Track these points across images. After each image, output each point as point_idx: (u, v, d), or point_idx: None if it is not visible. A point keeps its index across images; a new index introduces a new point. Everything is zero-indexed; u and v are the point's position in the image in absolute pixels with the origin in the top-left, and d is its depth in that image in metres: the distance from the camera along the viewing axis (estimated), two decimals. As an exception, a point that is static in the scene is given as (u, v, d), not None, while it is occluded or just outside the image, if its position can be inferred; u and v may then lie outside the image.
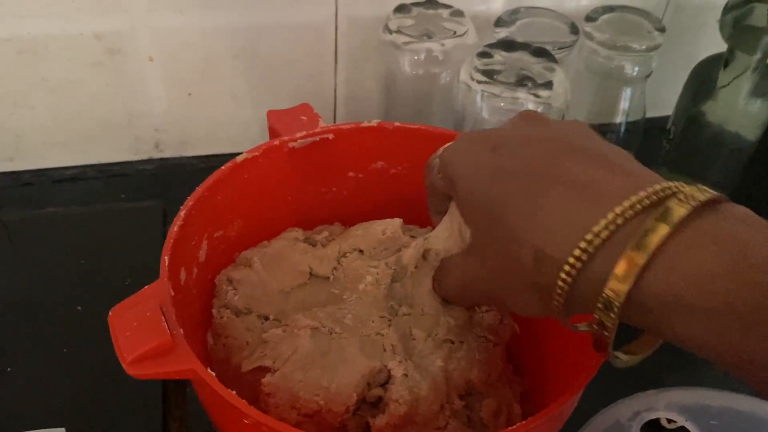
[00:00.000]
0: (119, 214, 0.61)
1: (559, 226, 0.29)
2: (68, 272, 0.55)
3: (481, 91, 0.52)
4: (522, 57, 0.54)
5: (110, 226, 0.60)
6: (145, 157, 0.66)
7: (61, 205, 0.62)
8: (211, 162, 0.66)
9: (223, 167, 0.44)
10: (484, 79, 0.52)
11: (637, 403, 0.49)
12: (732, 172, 0.63)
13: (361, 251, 0.46)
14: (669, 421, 0.48)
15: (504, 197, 0.31)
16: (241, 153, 0.45)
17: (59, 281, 0.55)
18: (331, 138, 0.47)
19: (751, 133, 0.61)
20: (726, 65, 0.57)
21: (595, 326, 0.29)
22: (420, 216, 0.47)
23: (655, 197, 0.27)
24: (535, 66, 0.53)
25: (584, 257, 0.28)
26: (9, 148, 0.63)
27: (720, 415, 0.48)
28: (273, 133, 0.48)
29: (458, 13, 0.59)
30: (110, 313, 0.35)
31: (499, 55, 0.54)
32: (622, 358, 0.33)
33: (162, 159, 0.67)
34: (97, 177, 0.65)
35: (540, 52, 0.54)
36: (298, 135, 0.46)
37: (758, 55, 0.55)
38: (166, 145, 0.66)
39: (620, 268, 0.27)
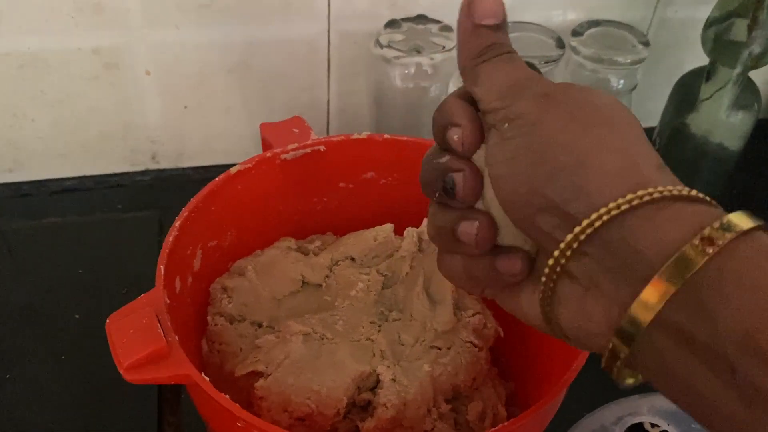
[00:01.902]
0: (116, 225, 0.62)
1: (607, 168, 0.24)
2: (66, 281, 0.56)
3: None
4: (509, 71, 0.55)
5: (107, 236, 0.61)
6: (141, 168, 0.68)
7: (59, 215, 0.63)
8: (207, 173, 0.67)
9: (216, 179, 0.45)
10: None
11: (621, 408, 0.50)
12: (716, 182, 0.65)
13: (353, 259, 0.48)
14: (652, 425, 0.49)
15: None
16: (236, 164, 0.47)
17: (58, 290, 0.56)
18: (322, 150, 0.48)
19: (733, 143, 0.62)
20: (708, 78, 0.59)
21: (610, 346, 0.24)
22: (410, 225, 0.48)
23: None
24: (522, 80, 0.55)
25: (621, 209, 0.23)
26: (8, 159, 0.64)
27: (702, 419, 0.50)
28: (266, 145, 0.49)
29: (447, 28, 0.60)
30: (108, 321, 0.36)
31: (487, 69, 0.55)
32: (629, 382, 0.27)
33: (158, 170, 0.68)
34: (95, 188, 0.66)
35: (526, 66, 0.56)
36: (290, 147, 0.48)
37: (738, 69, 0.57)
38: (163, 157, 0.68)
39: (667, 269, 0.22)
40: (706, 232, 0.22)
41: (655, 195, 0.23)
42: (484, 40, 0.29)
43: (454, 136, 0.28)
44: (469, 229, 0.28)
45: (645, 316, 0.23)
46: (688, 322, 0.22)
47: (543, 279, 0.26)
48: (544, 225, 0.25)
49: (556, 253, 0.25)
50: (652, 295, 0.22)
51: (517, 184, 0.26)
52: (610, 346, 0.24)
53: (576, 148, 0.25)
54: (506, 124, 0.26)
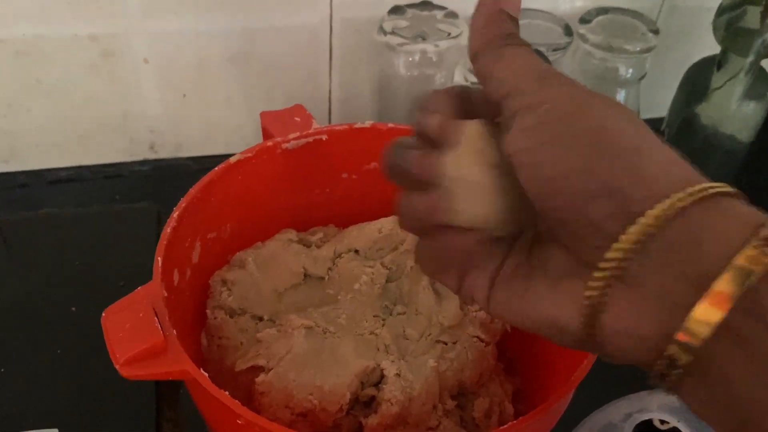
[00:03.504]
0: (114, 216, 0.61)
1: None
2: (63, 273, 0.55)
3: (475, 92, 0.52)
4: (516, 59, 0.54)
5: (105, 228, 0.60)
6: (139, 158, 0.67)
7: (55, 206, 0.62)
8: (206, 163, 0.65)
9: (216, 168, 0.44)
10: (477, 80, 0.52)
11: (629, 404, 0.49)
12: (726, 174, 0.64)
13: (356, 251, 0.47)
14: (662, 422, 0.48)
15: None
16: (235, 154, 0.45)
17: (54, 282, 0.55)
18: (324, 139, 0.47)
19: (744, 134, 0.61)
20: (719, 67, 0.58)
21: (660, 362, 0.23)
22: (414, 217, 0.47)
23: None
24: (529, 68, 0.53)
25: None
26: (4, 149, 0.63)
27: (713, 415, 0.49)
28: (266, 134, 0.48)
29: (452, 15, 0.59)
30: (103, 315, 0.35)
31: (493, 57, 0.54)
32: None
33: (156, 160, 0.67)
34: (92, 178, 0.65)
35: (534, 54, 0.54)
36: (292, 136, 0.47)
37: (751, 58, 0.55)
38: (161, 147, 0.66)
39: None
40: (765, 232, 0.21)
41: (716, 190, 0.23)
42: (506, 27, 0.28)
43: (434, 121, 0.28)
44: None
45: (713, 316, 0.21)
46: (748, 325, 0.21)
47: (594, 281, 0.23)
48: (594, 213, 0.23)
49: (616, 252, 0.23)
50: (722, 293, 0.21)
51: (563, 169, 0.24)
52: (669, 352, 0.22)
53: (630, 134, 0.24)
54: (546, 106, 0.25)
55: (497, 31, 0.28)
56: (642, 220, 0.22)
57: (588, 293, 0.24)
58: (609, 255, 0.23)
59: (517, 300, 0.27)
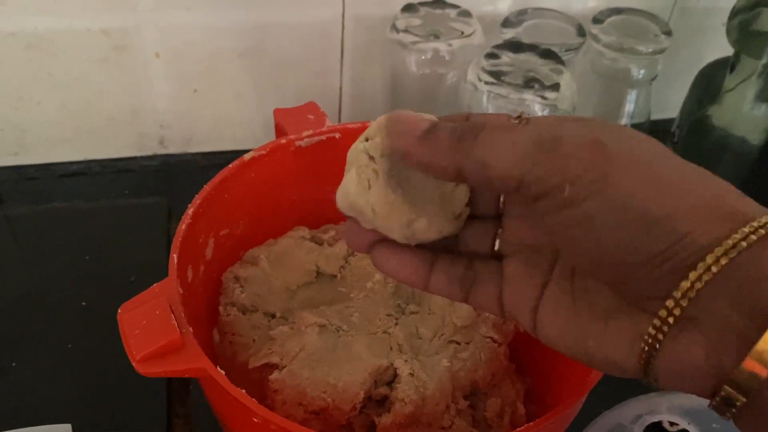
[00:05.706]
0: (123, 210, 0.61)
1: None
2: (73, 267, 0.55)
3: (488, 91, 0.52)
4: (529, 58, 0.54)
5: (114, 222, 0.60)
6: (149, 153, 0.66)
7: (65, 200, 0.62)
8: (215, 159, 0.66)
9: (230, 165, 0.44)
10: (491, 80, 0.52)
11: (639, 406, 0.49)
12: (736, 177, 0.63)
13: (368, 250, 0.46)
14: (671, 423, 0.48)
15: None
16: (245, 150, 0.45)
17: (64, 276, 0.55)
18: (337, 137, 0.47)
19: (756, 137, 0.61)
20: (732, 69, 0.57)
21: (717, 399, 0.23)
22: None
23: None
24: (542, 68, 0.53)
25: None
26: (14, 142, 0.63)
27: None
28: (279, 131, 0.48)
29: (466, 14, 0.59)
30: (119, 311, 0.35)
31: (507, 57, 0.54)
32: None
33: (166, 155, 0.67)
34: (102, 172, 0.65)
35: (547, 54, 0.54)
36: (305, 134, 0.46)
37: (764, 60, 0.55)
38: (171, 142, 0.66)
39: None
40: None
41: (763, 230, 0.22)
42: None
43: None
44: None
45: (764, 367, 0.21)
46: None
47: (650, 332, 0.24)
48: (642, 281, 0.23)
49: (674, 300, 0.23)
50: None
51: (602, 247, 0.24)
52: (723, 393, 0.22)
53: (662, 193, 0.23)
54: (567, 188, 0.24)
55: (448, 135, 0.26)
56: (701, 266, 0.22)
57: (646, 338, 0.24)
58: (668, 303, 0.23)
59: (566, 334, 0.27)
